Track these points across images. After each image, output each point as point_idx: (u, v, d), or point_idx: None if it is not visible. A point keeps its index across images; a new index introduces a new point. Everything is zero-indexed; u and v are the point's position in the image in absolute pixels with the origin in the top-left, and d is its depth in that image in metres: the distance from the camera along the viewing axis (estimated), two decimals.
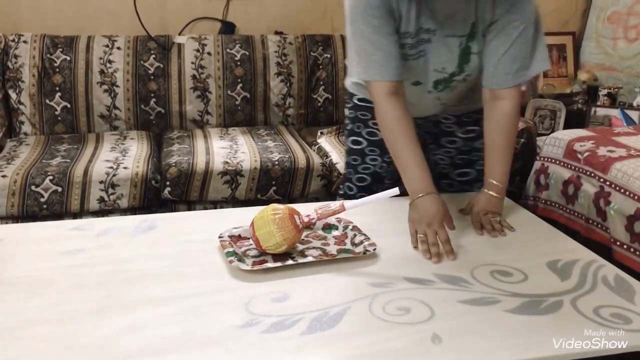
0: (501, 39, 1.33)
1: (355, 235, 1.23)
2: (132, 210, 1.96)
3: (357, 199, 1.57)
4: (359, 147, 1.59)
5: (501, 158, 1.39)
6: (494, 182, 1.38)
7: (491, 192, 1.38)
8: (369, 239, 1.20)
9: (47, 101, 2.34)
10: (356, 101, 1.58)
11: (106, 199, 1.91)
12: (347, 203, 1.17)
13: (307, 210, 1.18)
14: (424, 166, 1.30)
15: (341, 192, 1.67)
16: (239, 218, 1.30)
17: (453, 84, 1.43)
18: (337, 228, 1.27)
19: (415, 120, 1.43)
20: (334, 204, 1.18)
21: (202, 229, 1.30)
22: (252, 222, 1.15)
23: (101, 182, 1.90)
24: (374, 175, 1.60)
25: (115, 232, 1.28)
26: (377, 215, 1.35)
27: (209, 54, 2.50)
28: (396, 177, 1.61)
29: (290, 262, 1.11)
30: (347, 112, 1.63)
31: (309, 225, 1.20)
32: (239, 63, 2.51)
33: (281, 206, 1.17)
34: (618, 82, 2.84)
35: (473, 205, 1.38)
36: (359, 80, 1.48)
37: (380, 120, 1.35)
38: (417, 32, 1.33)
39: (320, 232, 1.27)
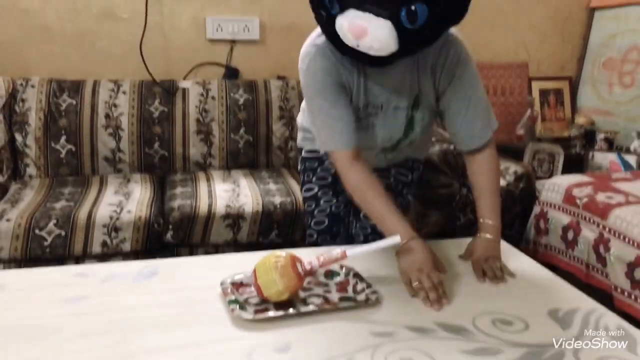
0: (455, 109, 1.40)
1: (357, 282, 1.23)
2: (134, 254, 1.97)
3: (318, 243, 1.61)
4: (311, 193, 1.65)
5: (489, 198, 1.42)
6: (488, 221, 1.40)
7: (487, 235, 1.39)
8: (370, 286, 1.21)
9: (53, 144, 2.37)
10: (305, 154, 1.67)
11: (109, 243, 1.92)
12: (350, 251, 1.18)
13: (308, 256, 1.19)
14: (399, 214, 1.32)
15: (307, 240, 1.71)
16: (241, 264, 1.31)
17: (399, 147, 1.53)
18: (338, 275, 1.28)
19: None
20: (336, 251, 1.19)
21: (204, 275, 1.30)
22: (254, 269, 1.16)
23: (104, 225, 1.92)
24: (330, 216, 1.65)
25: (118, 278, 1.28)
26: (377, 262, 1.36)
27: (213, 98, 2.54)
28: (353, 216, 1.65)
29: (292, 311, 1.11)
30: (299, 166, 1.71)
31: (311, 273, 1.21)
32: (242, 107, 2.55)
33: (283, 253, 1.18)
34: (615, 126, 2.88)
35: (472, 252, 1.40)
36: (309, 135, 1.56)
37: (347, 185, 1.39)
38: (366, 105, 1.41)
39: (322, 279, 1.27)
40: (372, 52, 1.20)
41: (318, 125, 1.40)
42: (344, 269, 1.28)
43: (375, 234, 1.57)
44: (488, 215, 1.40)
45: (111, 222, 1.93)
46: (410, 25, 1.13)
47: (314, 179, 1.65)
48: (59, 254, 1.90)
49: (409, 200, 1.70)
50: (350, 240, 1.68)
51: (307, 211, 1.68)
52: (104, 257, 1.94)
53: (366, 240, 1.62)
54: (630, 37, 2.91)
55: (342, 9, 1.16)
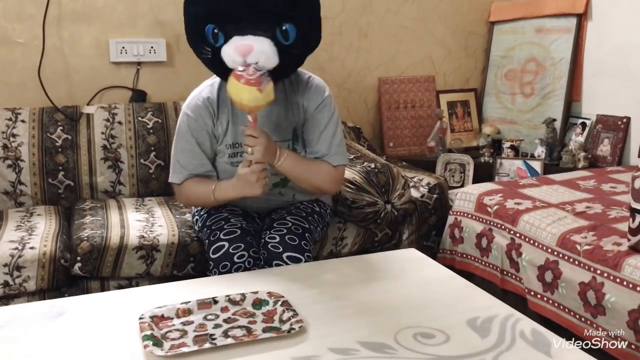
0: (311, 130, 1.65)
1: (284, 311, 1.20)
2: (40, 292, 1.84)
3: (231, 253, 1.59)
4: (223, 250, 1.59)
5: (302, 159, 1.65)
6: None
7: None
8: (297, 314, 1.17)
9: None
10: (203, 213, 1.82)
11: (11, 282, 1.79)
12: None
13: None
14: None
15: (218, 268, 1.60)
16: (158, 296, 1.25)
17: (289, 184, 1.72)
18: (267, 303, 1.24)
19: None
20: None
21: (119, 311, 1.24)
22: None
23: (5, 265, 1.78)
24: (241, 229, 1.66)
25: (21, 322, 1.19)
26: (303, 281, 1.34)
27: (119, 123, 2.44)
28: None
29: (207, 345, 1.07)
30: (196, 226, 1.89)
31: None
32: (151, 131, 2.46)
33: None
34: (519, 134, 3.02)
35: None
36: None
37: (183, 198, 1.78)
38: None
39: (250, 309, 1.23)
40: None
41: (172, 159, 1.69)
42: (272, 297, 1.24)
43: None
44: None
45: (13, 260, 1.79)
46: (285, 41, 1.45)
47: (221, 235, 1.62)
48: None
49: (319, 230, 1.77)
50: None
51: (218, 266, 1.60)
52: (6, 298, 1.80)
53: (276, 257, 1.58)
54: (527, 48, 3.07)
55: (227, 39, 1.44)
